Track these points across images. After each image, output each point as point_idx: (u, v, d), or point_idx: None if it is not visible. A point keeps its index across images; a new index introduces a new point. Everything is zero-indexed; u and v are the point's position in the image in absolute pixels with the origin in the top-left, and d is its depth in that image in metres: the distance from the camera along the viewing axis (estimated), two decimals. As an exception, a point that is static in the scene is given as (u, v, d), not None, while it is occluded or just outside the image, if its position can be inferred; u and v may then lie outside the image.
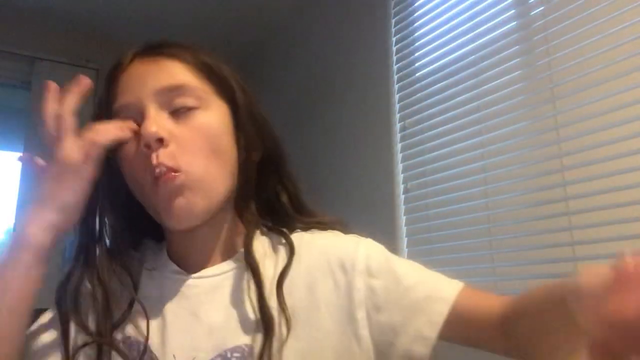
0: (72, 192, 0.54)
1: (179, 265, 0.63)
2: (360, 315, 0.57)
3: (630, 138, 1.16)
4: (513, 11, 1.50)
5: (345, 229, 0.69)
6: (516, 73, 1.46)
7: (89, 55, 2.76)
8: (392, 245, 1.78)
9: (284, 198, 0.68)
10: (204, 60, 0.61)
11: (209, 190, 0.57)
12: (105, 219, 0.61)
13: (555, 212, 1.31)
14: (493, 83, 1.52)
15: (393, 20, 1.97)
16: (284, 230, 0.66)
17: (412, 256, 1.74)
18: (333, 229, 0.69)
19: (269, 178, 0.67)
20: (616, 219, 1.17)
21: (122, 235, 0.62)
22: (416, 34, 1.86)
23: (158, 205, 0.57)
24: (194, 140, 0.57)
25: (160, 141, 0.54)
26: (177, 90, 0.57)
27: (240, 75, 0.65)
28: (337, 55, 2.28)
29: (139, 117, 0.57)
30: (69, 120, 0.55)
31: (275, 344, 0.54)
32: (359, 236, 0.66)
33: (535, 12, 1.44)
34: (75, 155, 0.53)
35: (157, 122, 0.55)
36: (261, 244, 0.64)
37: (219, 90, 0.61)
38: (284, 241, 0.64)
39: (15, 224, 2.12)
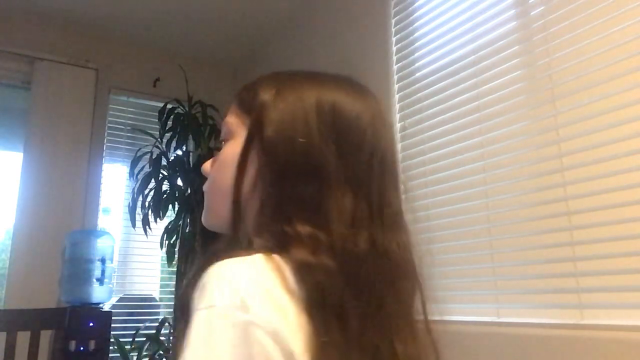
0: None
1: None
2: None
3: (630, 138, 1.16)
4: (513, 11, 1.50)
5: None
6: (516, 73, 1.46)
7: (89, 55, 2.77)
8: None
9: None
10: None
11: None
12: None
13: (555, 212, 1.31)
14: (493, 83, 1.52)
15: (393, 20, 1.97)
16: None
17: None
18: None
19: None
20: (616, 219, 1.17)
21: None
22: (416, 34, 1.86)
23: None
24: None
25: None
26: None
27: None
28: (337, 55, 2.28)
29: None
30: None
31: None
32: None
33: (535, 12, 1.44)
34: None
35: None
36: None
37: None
38: None
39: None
